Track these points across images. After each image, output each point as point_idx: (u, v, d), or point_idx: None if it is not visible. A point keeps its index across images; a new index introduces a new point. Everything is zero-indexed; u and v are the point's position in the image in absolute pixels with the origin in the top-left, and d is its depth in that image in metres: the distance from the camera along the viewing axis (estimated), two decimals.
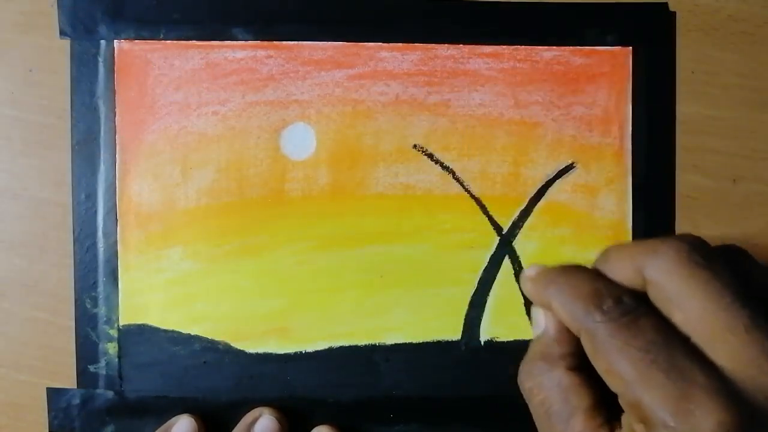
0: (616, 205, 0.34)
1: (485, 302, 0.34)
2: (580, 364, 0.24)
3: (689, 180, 0.34)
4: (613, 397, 0.22)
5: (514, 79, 0.34)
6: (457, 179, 0.34)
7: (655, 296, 0.22)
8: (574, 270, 0.24)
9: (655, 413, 0.20)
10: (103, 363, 0.34)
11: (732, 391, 0.20)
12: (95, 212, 0.34)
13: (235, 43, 0.34)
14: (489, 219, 0.34)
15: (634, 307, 0.22)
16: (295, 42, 0.34)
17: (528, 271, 0.25)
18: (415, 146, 0.34)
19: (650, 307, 0.22)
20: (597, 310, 0.22)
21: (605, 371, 0.22)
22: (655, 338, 0.21)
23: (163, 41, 0.34)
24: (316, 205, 0.34)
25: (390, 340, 0.34)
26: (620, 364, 0.21)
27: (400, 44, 0.34)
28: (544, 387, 0.24)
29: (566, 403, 0.23)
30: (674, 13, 0.34)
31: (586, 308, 0.22)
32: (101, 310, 0.34)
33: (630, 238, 0.34)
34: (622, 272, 0.23)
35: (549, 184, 0.34)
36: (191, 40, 0.34)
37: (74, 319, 0.34)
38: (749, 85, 0.34)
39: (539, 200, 0.34)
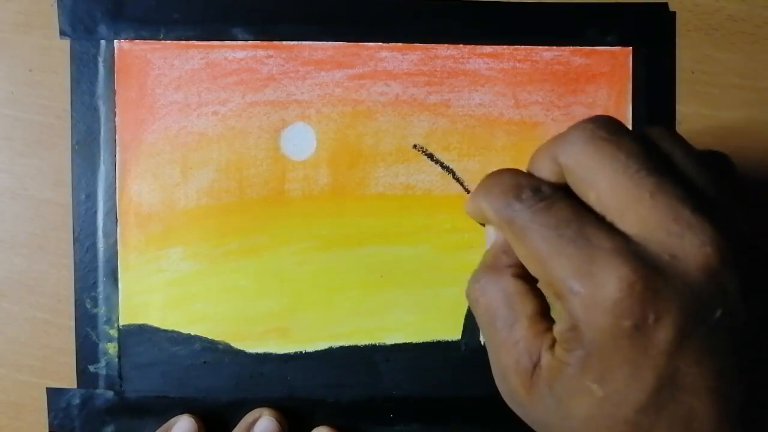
0: None
1: None
2: (526, 274, 0.24)
3: None
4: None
5: (514, 79, 0.34)
6: (457, 179, 0.34)
7: (572, 182, 0.23)
8: (500, 171, 0.25)
9: (564, 283, 0.21)
10: (103, 363, 0.34)
11: (636, 252, 0.20)
12: (95, 212, 0.34)
13: (235, 43, 0.34)
14: None
15: (550, 194, 0.23)
16: (295, 42, 0.34)
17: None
18: (415, 146, 0.34)
19: (568, 193, 0.23)
20: (516, 200, 0.23)
21: (524, 257, 0.22)
22: (568, 216, 0.22)
23: (163, 41, 0.34)
24: (316, 205, 0.34)
25: (390, 340, 0.34)
26: (535, 244, 0.22)
27: (400, 44, 0.34)
28: (489, 294, 0.24)
29: (510, 309, 0.24)
30: (674, 13, 0.34)
31: (507, 200, 0.23)
32: (101, 310, 0.34)
33: None
34: (543, 166, 0.24)
35: None
36: (191, 40, 0.34)
37: (74, 319, 0.34)
38: (749, 85, 0.34)
39: None
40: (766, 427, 0.22)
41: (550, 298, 0.22)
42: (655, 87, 0.34)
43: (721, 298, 0.20)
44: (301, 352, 0.34)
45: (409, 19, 0.34)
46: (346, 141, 0.34)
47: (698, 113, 0.34)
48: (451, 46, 0.34)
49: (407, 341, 0.34)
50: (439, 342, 0.34)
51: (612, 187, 0.21)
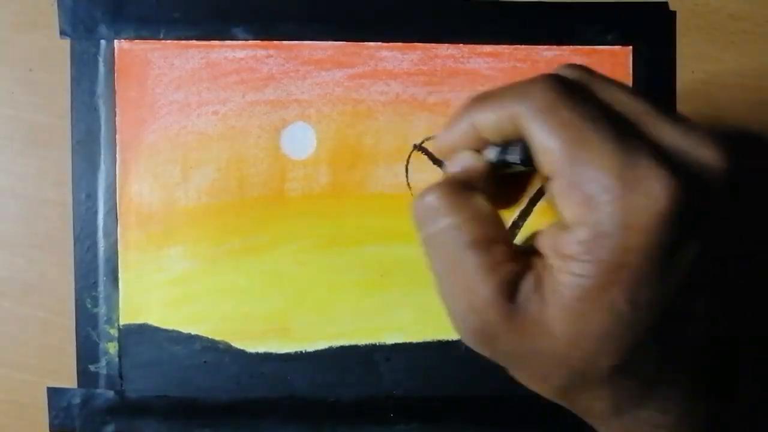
0: None
1: None
2: (496, 204, 0.23)
3: None
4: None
5: (515, 79, 0.34)
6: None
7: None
8: (485, 92, 0.23)
9: (601, 184, 0.19)
10: (103, 362, 0.34)
11: (674, 161, 0.20)
12: (95, 212, 0.34)
13: (235, 42, 0.34)
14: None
15: (573, 82, 0.21)
16: (295, 42, 0.34)
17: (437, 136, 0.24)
18: (415, 146, 0.34)
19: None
20: (532, 86, 0.21)
21: (544, 148, 0.20)
22: (603, 106, 0.20)
23: (163, 41, 0.34)
24: (316, 204, 0.34)
25: (390, 340, 0.34)
26: (565, 133, 0.20)
27: (400, 44, 0.34)
28: (459, 210, 0.21)
29: (487, 230, 0.21)
30: (674, 12, 0.34)
31: (520, 91, 0.21)
32: (101, 310, 0.34)
33: None
34: (490, 121, 0.22)
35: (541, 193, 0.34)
36: (191, 39, 0.34)
37: (74, 318, 0.34)
38: (749, 85, 0.34)
39: (539, 200, 0.34)
40: (746, 339, 0.22)
41: (569, 203, 0.20)
42: (655, 86, 0.34)
43: (736, 206, 0.20)
44: (301, 351, 0.34)
45: (409, 19, 0.34)
46: (346, 141, 0.34)
47: (698, 113, 0.34)
48: (451, 46, 0.34)
49: (407, 341, 0.34)
50: (439, 342, 0.34)
51: (626, 97, 0.21)
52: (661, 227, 0.19)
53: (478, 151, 0.23)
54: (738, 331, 0.22)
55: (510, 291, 0.21)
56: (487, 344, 0.22)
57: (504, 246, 0.21)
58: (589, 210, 0.19)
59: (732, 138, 0.34)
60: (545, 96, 0.20)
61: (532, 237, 0.22)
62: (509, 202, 0.24)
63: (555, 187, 0.20)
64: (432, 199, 0.22)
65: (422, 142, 0.32)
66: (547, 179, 0.21)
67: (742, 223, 0.21)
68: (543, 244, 0.21)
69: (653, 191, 0.19)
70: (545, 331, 0.21)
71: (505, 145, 0.23)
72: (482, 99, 0.23)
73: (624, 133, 0.20)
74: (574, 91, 0.20)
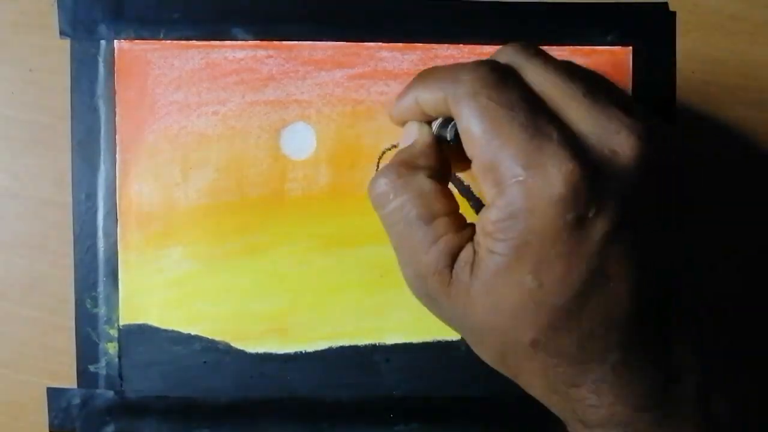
0: None
1: None
2: (441, 176, 0.25)
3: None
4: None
5: None
6: (457, 179, 0.34)
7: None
8: (430, 68, 0.25)
9: (509, 169, 0.21)
10: (103, 363, 0.34)
11: (581, 146, 0.21)
12: (95, 212, 0.34)
13: (235, 43, 0.34)
14: None
15: (504, 67, 0.23)
16: (295, 42, 0.34)
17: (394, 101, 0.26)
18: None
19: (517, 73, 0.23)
20: (463, 70, 0.23)
21: (465, 131, 0.22)
22: (521, 97, 0.22)
23: (163, 41, 0.34)
24: (316, 205, 0.34)
25: (390, 340, 0.34)
26: (483, 120, 0.21)
27: (400, 44, 0.34)
28: (404, 191, 0.24)
29: (428, 207, 0.23)
30: (674, 13, 0.34)
31: (453, 75, 0.23)
32: (101, 310, 0.34)
33: None
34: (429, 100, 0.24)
35: None
36: (191, 40, 0.34)
37: (74, 319, 0.34)
38: (749, 85, 0.34)
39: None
40: (676, 311, 0.23)
41: (486, 184, 0.22)
42: (655, 87, 0.34)
43: (652, 191, 0.21)
44: (301, 352, 0.34)
45: (409, 19, 0.34)
46: (346, 141, 0.34)
47: (698, 113, 0.34)
48: (451, 46, 0.34)
49: (407, 341, 0.34)
50: (439, 342, 0.34)
51: (552, 82, 0.22)
52: (558, 210, 0.20)
53: (428, 123, 0.26)
54: (666, 304, 0.22)
55: (449, 261, 0.23)
56: (433, 308, 0.24)
57: (448, 218, 0.23)
58: (500, 192, 0.21)
59: (732, 138, 0.34)
60: (472, 82, 0.22)
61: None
62: (463, 167, 0.26)
63: (474, 169, 0.22)
64: (381, 183, 0.24)
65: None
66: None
67: (669, 206, 0.22)
68: (478, 221, 0.23)
69: (551, 176, 0.20)
70: (471, 301, 0.22)
71: (445, 121, 0.25)
72: (424, 77, 0.25)
73: (536, 120, 0.21)
74: (500, 78, 0.22)
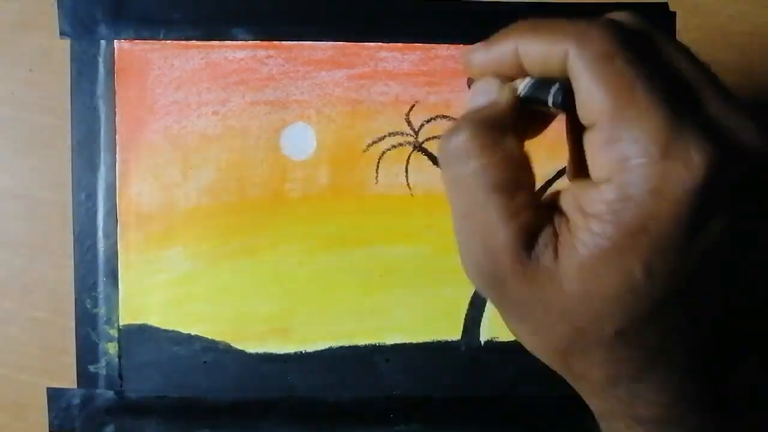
0: None
1: (485, 302, 0.34)
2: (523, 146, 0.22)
3: None
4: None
5: None
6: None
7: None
8: (540, 19, 0.22)
9: (641, 146, 0.19)
10: (103, 363, 0.34)
11: (721, 135, 0.19)
12: (95, 212, 0.34)
13: (235, 43, 0.34)
14: None
15: (641, 29, 0.20)
16: (295, 42, 0.34)
17: (472, 48, 0.23)
18: (414, 146, 0.34)
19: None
20: (594, 26, 0.20)
21: (590, 96, 0.19)
22: (660, 64, 0.20)
23: (163, 41, 0.34)
24: (316, 205, 0.34)
25: (390, 340, 0.34)
26: (618, 85, 0.19)
27: (400, 44, 0.34)
28: (492, 152, 0.20)
29: (515, 175, 0.21)
30: (674, 13, 0.34)
31: (580, 29, 0.20)
32: (101, 310, 0.34)
33: None
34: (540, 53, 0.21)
35: (548, 184, 0.34)
36: (191, 40, 0.34)
37: (74, 319, 0.34)
38: (749, 85, 0.34)
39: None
40: (751, 319, 0.21)
41: (602, 156, 0.19)
42: None
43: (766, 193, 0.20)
44: (301, 352, 0.34)
45: (409, 19, 0.34)
46: (346, 141, 0.34)
47: None
48: (451, 46, 0.34)
49: (407, 341, 0.34)
50: (439, 342, 0.34)
51: (687, 60, 0.20)
52: (693, 199, 0.18)
53: (510, 80, 0.22)
54: (743, 312, 0.22)
55: (527, 239, 0.20)
56: (495, 288, 0.21)
57: (528, 193, 0.21)
58: (622, 170, 0.19)
59: None
60: (603, 41, 0.19)
61: (555, 195, 0.22)
62: (527, 136, 0.23)
63: (592, 139, 0.20)
64: (461, 139, 0.21)
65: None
66: (584, 127, 0.20)
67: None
68: (566, 201, 0.21)
69: (693, 162, 0.18)
70: (556, 284, 0.20)
71: (540, 82, 0.21)
72: (533, 26, 0.22)
73: (675, 98, 0.19)
74: (634, 43, 0.19)
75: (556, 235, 0.20)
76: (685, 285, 0.19)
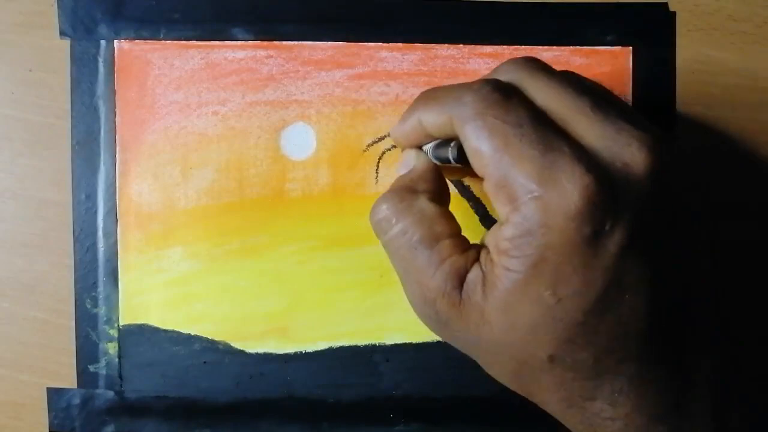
0: None
1: None
2: (441, 200, 0.25)
3: None
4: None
5: None
6: (459, 181, 0.34)
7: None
8: (433, 89, 0.25)
9: (522, 185, 0.21)
10: (103, 363, 0.34)
11: (593, 160, 0.21)
12: (95, 212, 0.34)
13: (235, 43, 0.34)
14: (489, 219, 0.34)
15: (506, 87, 0.23)
16: (295, 42, 0.34)
17: (393, 127, 0.27)
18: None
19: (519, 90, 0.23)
20: (467, 91, 0.22)
21: (474, 151, 0.22)
22: (527, 114, 0.22)
23: (163, 41, 0.34)
24: (316, 205, 0.34)
25: (390, 340, 0.34)
26: (492, 139, 0.21)
27: (400, 44, 0.34)
28: (406, 215, 0.24)
29: (431, 229, 0.24)
30: (674, 13, 0.34)
31: (457, 96, 0.23)
32: (101, 310, 0.34)
33: None
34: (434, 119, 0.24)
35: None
36: (191, 40, 0.34)
37: (74, 319, 0.34)
38: (749, 85, 0.34)
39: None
40: (691, 322, 0.23)
41: (499, 202, 0.22)
42: (655, 87, 0.34)
43: (664, 201, 0.21)
44: (301, 352, 0.34)
45: (409, 19, 0.34)
46: (346, 141, 0.34)
47: (698, 113, 0.34)
48: (451, 46, 0.34)
49: (407, 341, 0.34)
50: (439, 342, 0.34)
51: (558, 98, 0.22)
52: (575, 224, 0.20)
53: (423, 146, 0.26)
54: (681, 316, 0.22)
55: (457, 282, 0.23)
56: (443, 331, 0.24)
57: (451, 240, 0.23)
58: (514, 209, 0.21)
59: (732, 138, 0.34)
60: (476, 103, 0.22)
61: (484, 236, 0.24)
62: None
63: (487, 187, 0.22)
64: (383, 208, 0.24)
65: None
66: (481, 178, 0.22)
67: (681, 215, 0.22)
68: (489, 240, 0.23)
69: (567, 191, 0.20)
70: (486, 320, 0.22)
71: (442, 143, 0.25)
72: (427, 98, 0.25)
73: (546, 135, 0.21)
74: (505, 97, 0.22)
75: (483, 273, 0.23)
76: (597, 303, 0.21)
